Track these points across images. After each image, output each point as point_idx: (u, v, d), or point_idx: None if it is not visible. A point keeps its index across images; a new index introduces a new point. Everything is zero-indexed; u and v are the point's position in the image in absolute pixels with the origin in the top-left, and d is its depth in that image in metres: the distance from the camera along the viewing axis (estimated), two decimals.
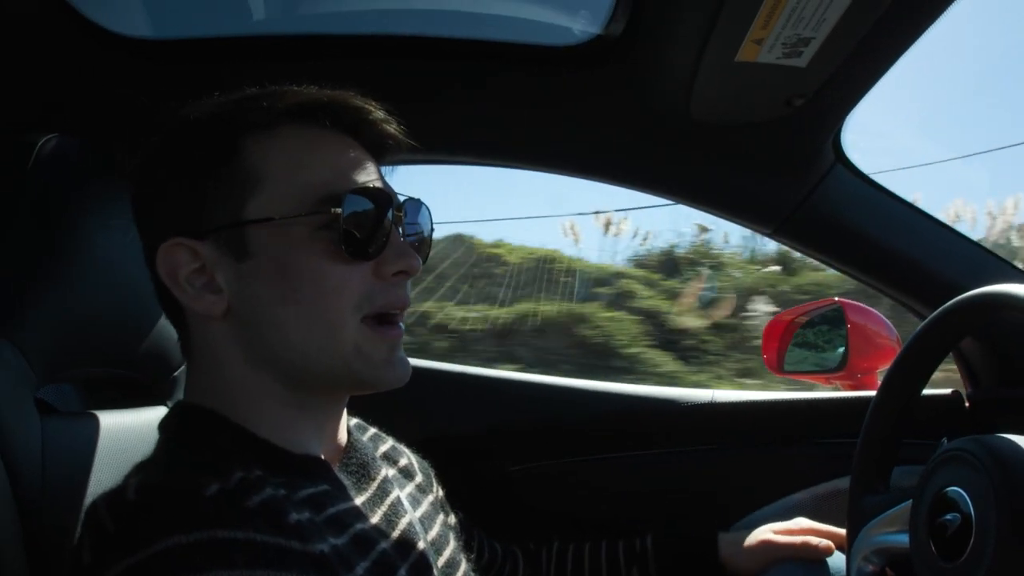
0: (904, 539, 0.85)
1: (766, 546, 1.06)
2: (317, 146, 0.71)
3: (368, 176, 0.72)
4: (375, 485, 0.78)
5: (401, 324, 0.74)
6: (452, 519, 0.96)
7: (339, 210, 0.67)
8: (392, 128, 0.75)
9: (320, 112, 0.71)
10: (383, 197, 0.71)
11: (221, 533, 0.54)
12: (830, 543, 1.03)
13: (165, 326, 1.00)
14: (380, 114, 0.74)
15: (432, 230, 0.81)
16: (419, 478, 0.92)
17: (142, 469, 0.65)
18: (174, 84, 1.09)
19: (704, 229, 5.88)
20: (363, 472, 0.78)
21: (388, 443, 0.93)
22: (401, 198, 0.76)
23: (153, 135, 0.73)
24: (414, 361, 1.42)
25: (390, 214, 0.71)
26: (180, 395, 1.04)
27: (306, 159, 0.70)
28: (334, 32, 1.12)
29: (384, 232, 0.70)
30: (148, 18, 1.09)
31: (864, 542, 0.94)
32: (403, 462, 0.91)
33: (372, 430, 0.93)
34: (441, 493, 0.98)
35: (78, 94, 1.09)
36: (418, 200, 0.78)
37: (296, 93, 0.71)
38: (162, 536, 0.53)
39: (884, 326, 1.61)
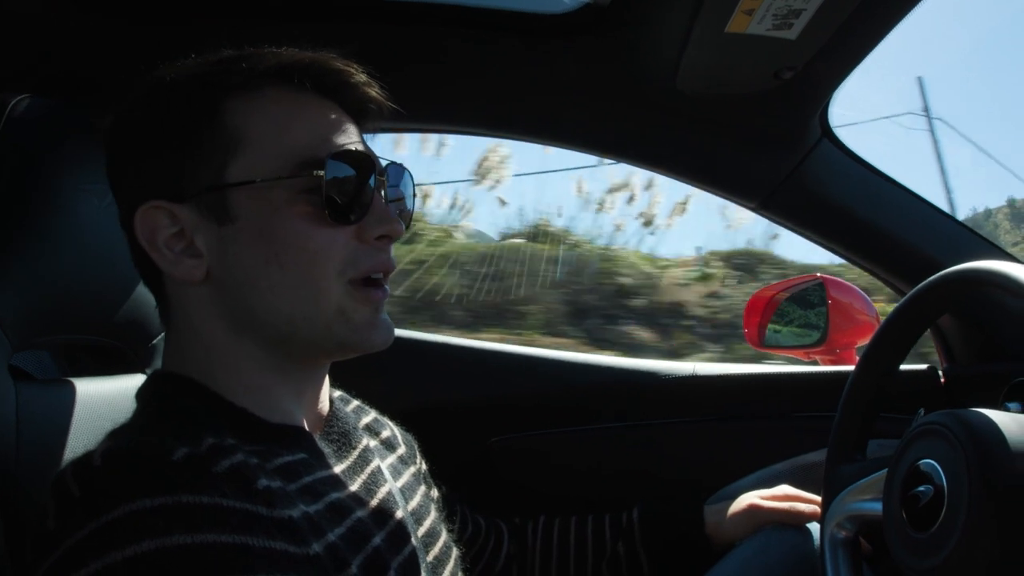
0: (877, 507, 0.87)
1: (752, 511, 1.07)
2: (299, 109, 0.70)
3: (350, 140, 0.71)
4: (355, 454, 0.78)
5: (386, 287, 0.74)
6: (435, 492, 0.96)
7: (322, 173, 0.66)
8: (374, 92, 0.74)
9: (302, 74, 0.70)
10: (366, 161, 0.70)
11: (186, 498, 0.54)
12: (816, 508, 1.05)
13: (143, 293, 0.98)
14: (362, 77, 0.73)
15: (415, 195, 0.80)
16: (401, 449, 0.92)
17: (112, 436, 0.64)
18: (150, 44, 1.06)
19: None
20: (344, 441, 0.77)
21: (371, 415, 0.93)
22: (384, 163, 0.75)
23: (128, 95, 0.71)
24: (397, 331, 1.42)
25: (372, 178, 0.70)
26: (159, 362, 1.03)
27: (288, 121, 0.69)
28: None
29: (367, 196, 0.70)
30: None
31: (838, 509, 0.95)
32: (385, 434, 0.91)
33: (355, 402, 0.93)
34: (424, 467, 0.97)
35: (51, 53, 1.05)
36: (401, 165, 0.78)
37: (277, 55, 0.70)
38: (126, 500, 0.52)
39: (864, 302, 1.62)
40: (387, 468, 0.83)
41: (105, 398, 0.90)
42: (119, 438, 0.62)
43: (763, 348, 1.74)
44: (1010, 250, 1.27)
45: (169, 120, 0.68)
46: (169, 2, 1.05)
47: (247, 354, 0.70)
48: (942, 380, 1.32)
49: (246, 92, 0.68)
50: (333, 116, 0.72)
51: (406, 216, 0.79)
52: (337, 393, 0.89)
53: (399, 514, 0.76)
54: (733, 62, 1.01)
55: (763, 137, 1.19)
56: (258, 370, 0.71)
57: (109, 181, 0.73)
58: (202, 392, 0.69)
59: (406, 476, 0.87)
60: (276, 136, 0.68)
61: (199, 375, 0.69)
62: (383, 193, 0.73)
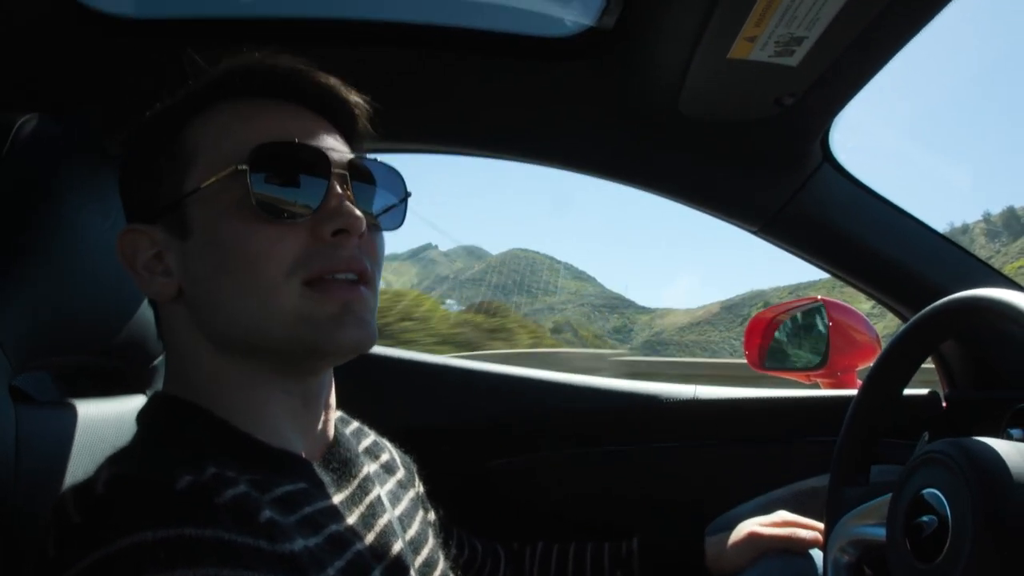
0: (881, 532, 0.86)
1: (752, 539, 1.06)
2: (249, 115, 0.69)
3: (301, 135, 0.68)
4: (355, 483, 0.77)
5: (363, 288, 0.69)
6: (431, 516, 0.95)
7: (244, 167, 0.64)
8: (333, 82, 0.72)
9: (252, 80, 0.70)
10: (307, 152, 0.67)
11: (189, 531, 0.53)
12: (817, 535, 1.04)
13: (144, 314, 0.98)
14: (318, 74, 0.71)
15: (407, 195, 0.76)
16: (400, 474, 0.91)
17: (114, 462, 0.63)
18: (156, 64, 1.07)
19: None
20: (344, 469, 0.76)
21: (370, 437, 0.92)
22: (359, 156, 0.72)
23: (134, 122, 0.73)
24: (397, 352, 1.41)
25: (320, 172, 0.67)
26: (159, 384, 1.02)
27: (235, 127, 0.68)
28: (319, 16, 1.10)
29: (314, 191, 0.66)
30: None
31: (841, 533, 0.95)
32: (384, 457, 0.90)
33: (355, 424, 0.92)
34: (422, 489, 0.97)
35: (58, 73, 1.06)
36: (385, 164, 0.74)
37: (227, 65, 0.71)
38: (128, 532, 0.52)
39: (864, 324, 1.63)
40: (386, 495, 0.82)
41: (106, 420, 0.90)
42: (120, 464, 0.61)
43: (763, 370, 1.73)
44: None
45: (141, 148, 0.72)
46: (175, 23, 1.06)
47: (231, 371, 0.69)
48: (944, 405, 1.32)
49: (203, 110, 0.70)
50: (287, 117, 0.69)
51: (396, 218, 0.76)
52: (336, 415, 0.88)
53: (398, 545, 0.75)
54: (735, 88, 1.02)
55: (764, 161, 1.20)
56: (249, 387, 0.69)
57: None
58: (202, 416, 0.68)
59: (404, 502, 0.86)
60: (221, 143, 0.67)
61: (197, 398, 0.69)
62: (341, 189, 0.68)
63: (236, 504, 0.57)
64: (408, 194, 0.76)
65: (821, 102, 1.05)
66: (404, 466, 0.94)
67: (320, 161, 0.67)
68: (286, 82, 0.71)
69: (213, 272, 0.66)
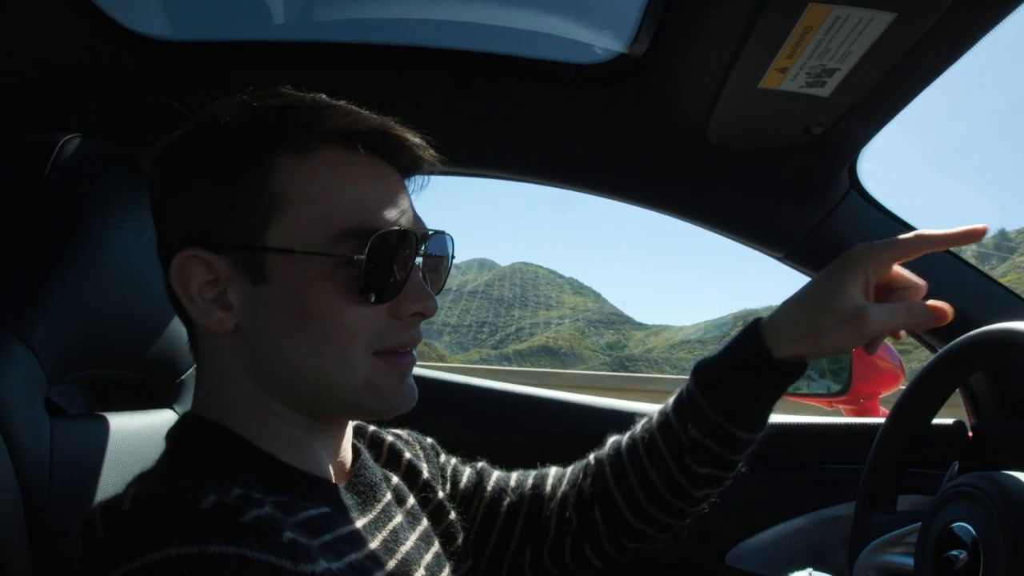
0: (907, 561, 0.86)
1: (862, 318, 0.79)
2: (349, 174, 0.68)
3: (396, 209, 0.70)
4: (379, 507, 0.77)
5: (413, 352, 0.73)
6: (452, 515, 0.90)
7: (362, 257, 0.65)
8: (427, 154, 0.74)
9: (360, 139, 0.69)
10: (407, 238, 0.69)
11: (213, 548, 0.53)
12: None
13: (174, 329, 0.99)
14: (417, 141, 0.73)
15: (453, 258, 0.79)
16: (410, 502, 0.87)
17: (141, 480, 0.64)
18: (191, 85, 1.09)
19: None
20: (370, 492, 0.77)
21: (382, 458, 0.91)
22: (429, 230, 0.74)
23: (176, 132, 0.70)
24: (415, 370, 1.42)
25: (412, 255, 0.70)
26: (187, 398, 1.03)
27: (336, 188, 0.67)
28: (352, 40, 1.12)
29: (404, 274, 0.69)
30: (167, 18, 1.09)
31: (867, 560, 0.94)
32: (394, 480, 0.87)
33: (371, 428, 0.91)
34: (441, 495, 0.91)
35: (97, 93, 1.08)
36: (442, 232, 0.76)
37: (337, 117, 0.68)
38: (153, 548, 0.52)
39: (888, 351, 1.62)
40: (405, 520, 0.81)
41: (136, 433, 0.91)
42: (147, 482, 0.62)
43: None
44: None
45: (217, 167, 0.67)
46: (211, 45, 1.08)
47: (271, 408, 0.69)
48: (970, 435, 1.31)
49: (298, 152, 0.67)
50: (382, 182, 0.71)
51: (440, 280, 0.78)
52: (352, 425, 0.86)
53: (418, 574, 0.75)
54: (764, 117, 1.02)
55: (792, 189, 1.20)
56: (283, 423, 0.70)
57: (152, 215, 0.72)
58: (230, 438, 0.68)
59: (422, 526, 0.83)
60: (320, 203, 0.66)
61: (227, 420, 0.69)
62: (420, 260, 0.72)
63: (260, 524, 0.57)
64: (453, 257, 0.80)
65: (850, 131, 1.05)
66: (417, 482, 0.89)
67: (411, 245, 0.69)
68: (389, 146, 0.71)
69: (290, 329, 0.66)
